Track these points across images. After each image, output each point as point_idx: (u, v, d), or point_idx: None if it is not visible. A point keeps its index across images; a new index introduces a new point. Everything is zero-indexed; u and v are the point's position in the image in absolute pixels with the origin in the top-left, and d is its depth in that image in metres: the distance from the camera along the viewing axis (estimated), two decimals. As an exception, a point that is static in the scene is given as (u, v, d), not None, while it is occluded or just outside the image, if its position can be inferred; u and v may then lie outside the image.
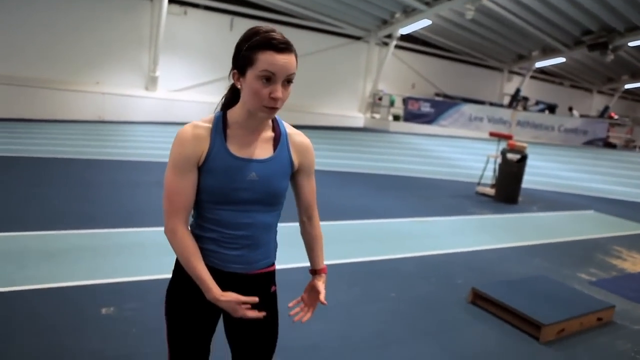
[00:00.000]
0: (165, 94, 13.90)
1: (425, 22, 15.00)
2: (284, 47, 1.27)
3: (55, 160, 7.54)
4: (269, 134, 1.43)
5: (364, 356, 2.72)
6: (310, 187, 1.54)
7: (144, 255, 3.89)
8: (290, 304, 1.60)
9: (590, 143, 17.39)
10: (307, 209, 1.57)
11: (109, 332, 2.66)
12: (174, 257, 1.43)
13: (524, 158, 7.93)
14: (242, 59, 1.30)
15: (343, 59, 16.78)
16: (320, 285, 1.59)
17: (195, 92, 14.23)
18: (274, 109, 1.32)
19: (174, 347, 1.51)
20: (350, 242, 4.93)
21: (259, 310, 1.45)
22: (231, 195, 1.36)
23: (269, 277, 1.52)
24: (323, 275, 1.61)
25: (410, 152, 12.30)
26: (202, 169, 1.36)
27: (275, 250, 1.54)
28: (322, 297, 1.56)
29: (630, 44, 16.20)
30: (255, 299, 1.40)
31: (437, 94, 18.61)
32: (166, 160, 1.39)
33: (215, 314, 1.51)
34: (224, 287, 1.40)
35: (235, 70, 1.34)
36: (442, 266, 4.42)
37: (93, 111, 12.81)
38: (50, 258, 3.62)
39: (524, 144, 8.11)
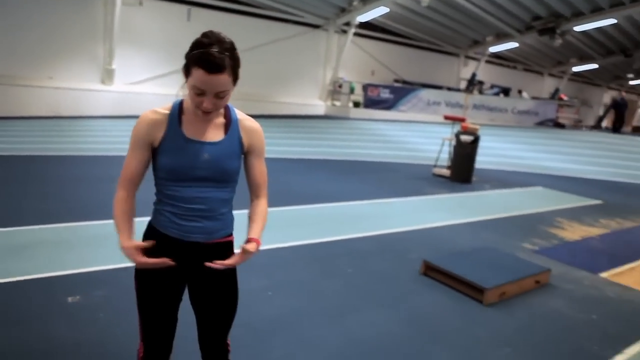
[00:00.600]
0: (122, 87, 13.64)
1: (382, 10, 15.26)
2: (215, 69, 1.41)
3: (14, 157, 7.38)
4: (220, 119, 1.61)
5: (321, 326, 2.94)
6: (259, 167, 1.71)
7: (109, 246, 3.96)
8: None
9: (541, 124, 18.22)
10: (256, 189, 1.73)
11: (77, 319, 2.77)
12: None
13: (476, 139, 8.32)
14: (185, 65, 1.48)
15: (303, 47, 16.86)
16: (243, 247, 1.57)
17: (154, 85, 14.02)
18: (208, 113, 1.51)
19: (144, 314, 1.67)
20: (310, 225, 5.14)
21: (221, 278, 1.64)
22: (187, 173, 1.54)
23: (227, 246, 1.69)
24: (252, 242, 1.59)
25: (370, 138, 12.60)
26: (159, 150, 1.54)
27: (232, 223, 1.71)
28: (230, 261, 1.56)
29: (576, 28, 17.01)
30: (152, 243, 1.57)
31: (397, 80, 18.98)
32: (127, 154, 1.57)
33: (180, 281, 1.68)
34: (186, 255, 1.59)
35: (184, 71, 1.50)
36: (397, 243, 4.70)
37: (48, 106, 12.46)
38: (15, 253, 3.66)
39: (477, 126, 8.51)
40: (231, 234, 1.72)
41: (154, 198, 1.65)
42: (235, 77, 1.49)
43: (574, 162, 11.80)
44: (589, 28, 17.22)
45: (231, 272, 1.71)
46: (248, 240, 1.61)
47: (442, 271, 3.72)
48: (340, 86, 17.40)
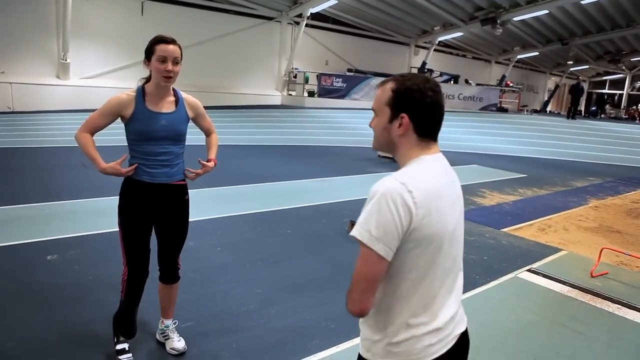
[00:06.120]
0: (78, 81, 13.78)
1: (332, 1, 15.91)
2: (170, 40, 2.19)
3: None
4: (171, 98, 2.34)
5: (259, 269, 3.63)
6: (206, 122, 2.51)
7: (79, 219, 4.50)
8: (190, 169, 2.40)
9: (485, 109, 19.37)
10: (208, 131, 2.54)
11: (56, 270, 3.35)
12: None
13: (414, 123, 9.15)
14: (148, 51, 2.21)
15: (258, 39, 17.33)
16: (204, 163, 2.43)
17: (110, 78, 14.19)
18: (170, 78, 2.21)
19: (126, 242, 2.30)
20: (258, 198, 5.79)
21: (177, 212, 2.35)
22: (152, 135, 2.23)
23: (183, 187, 2.41)
24: (211, 161, 2.46)
25: (323, 125, 13.31)
26: (131, 119, 2.22)
27: (184, 171, 2.38)
28: (199, 171, 2.40)
29: (515, 18, 18.23)
30: (135, 166, 2.24)
31: (350, 70, 19.75)
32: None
33: (150, 217, 2.32)
34: (155, 195, 2.26)
35: (145, 60, 2.22)
36: (334, 211, 5.42)
37: (1, 101, 12.51)
38: (-9, 227, 4.16)
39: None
40: (184, 180, 2.40)
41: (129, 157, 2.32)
42: (181, 55, 2.21)
43: (510, 142, 12.90)
44: (526, 17, 18.47)
45: (185, 206, 2.41)
46: (208, 160, 2.44)
47: (365, 228, 4.46)
48: (295, 76, 18.00)
